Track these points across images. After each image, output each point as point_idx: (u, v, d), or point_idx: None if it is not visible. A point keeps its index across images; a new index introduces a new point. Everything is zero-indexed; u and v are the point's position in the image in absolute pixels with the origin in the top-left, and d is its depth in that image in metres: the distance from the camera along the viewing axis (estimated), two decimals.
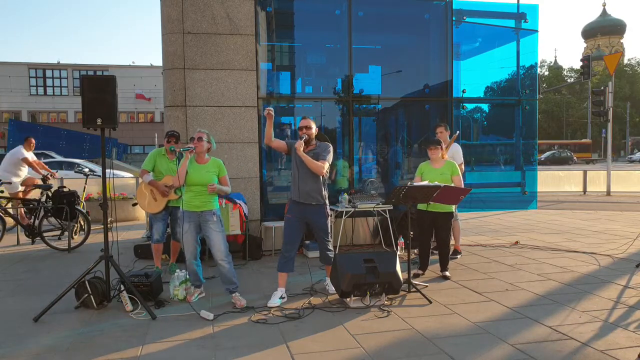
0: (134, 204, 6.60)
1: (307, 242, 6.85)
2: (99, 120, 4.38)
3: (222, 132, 6.83)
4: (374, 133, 8.81)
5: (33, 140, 9.00)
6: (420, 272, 5.76)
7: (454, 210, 5.73)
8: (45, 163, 19.03)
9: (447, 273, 5.64)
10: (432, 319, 4.24)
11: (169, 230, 6.19)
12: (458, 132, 7.34)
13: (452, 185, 5.46)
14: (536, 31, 8.50)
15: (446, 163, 5.69)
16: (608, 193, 16.12)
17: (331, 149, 4.83)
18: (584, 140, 55.35)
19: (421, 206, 5.61)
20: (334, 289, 4.84)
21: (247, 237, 6.68)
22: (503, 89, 9.73)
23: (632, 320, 4.13)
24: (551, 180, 17.52)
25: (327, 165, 4.72)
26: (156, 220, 5.85)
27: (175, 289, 4.85)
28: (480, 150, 9.69)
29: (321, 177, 4.77)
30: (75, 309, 4.55)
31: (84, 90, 4.39)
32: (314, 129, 4.80)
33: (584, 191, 16.78)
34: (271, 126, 4.66)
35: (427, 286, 5.22)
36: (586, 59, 19.93)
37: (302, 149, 4.65)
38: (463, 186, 5.66)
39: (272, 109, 4.63)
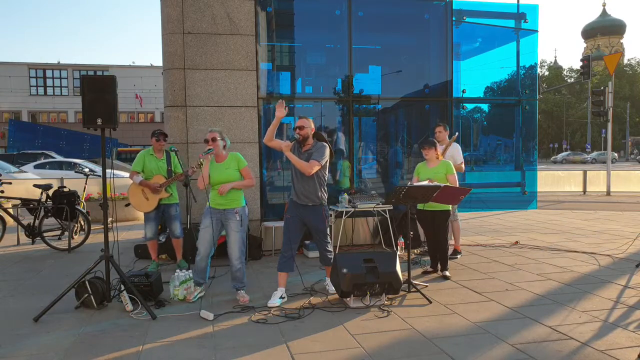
0: (127, 205, 6.61)
1: (307, 242, 6.85)
2: (99, 120, 4.39)
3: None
4: (374, 133, 8.82)
5: None
6: (431, 269, 5.82)
7: (451, 209, 5.76)
8: (46, 163, 19.16)
9: (447, 273, 5.66)
10: (432, 319, 4.25)
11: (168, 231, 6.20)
12: (457, 133, 7.35)
13: (450, 185, 5.48)
14: (536, 31, 8.50)
15: (441, 163, 5.74)
16: (608, 193, 16.12)
17: (326, 149, 4.77)
18: None
19: (419, 205, 5.65)
20: (334, 289, 4.84)
21: (247, 237, 6.66)
22: (503, 89, 9.73)
23: (632, 320, 4.14)
24: (551, 180, 17.52)
25: (316, 167, 4.65)
26: (148, 219, 5.92)
27: (176, 289, 4.85)
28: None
29: (317, 177, 4.75)
30: (76, 309, 4.55)
31: (84, 90, 4.39)
32: (310, 129, 4.77)
33: (584, 191, 16.78)
34: (276, 126, 4.65)
35: (427, 286, 5.22)
36: (586, 59, 19.92)
37: (288, 149, 4.64)
38: (458, 185, 5.71)
39: (283, 101, 4.59)
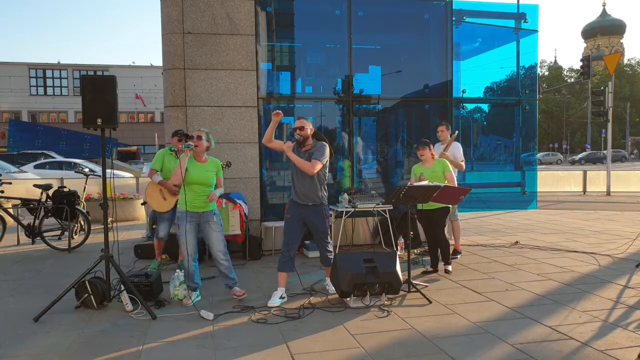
0: (143, 203, 6.65)
1: (307, 242, 6.85)
2: (99, 120, 4.39)
3: (222, 132, 6.83)
4: (374, 133, 8.81)
5: None
6: (431, 269, 5.83)
7: (450, 207, 5.77)
8: (46, 163, 19.17)
9: (450, 267, 5.70)
10: (432, 319, 4.25)
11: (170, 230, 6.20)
12: (457, 131, 7.36)
13: (448, 184, 5.49)
14: (536, 31, 8.50)
15: (436, 162, 5.76)
16: (608, 193, 16.12)
17: (327, 148, 4.79)
18: None
19: (419, 205, 5.67)
20: (334, 289, 4.84)
21: (247, 237, 6.68)
22: (503, 89, 9.73)
23: (632, 320, 4.14)
24: (551, 180, 17.52)
25: (318, 166, 4.67)
26: (163, 219, 5.91)
27: (176, 289, 4.85)
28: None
29: (318, 177, 4.75)
30: (76, 309, 4.55)
31: (84, 90, 4.39)
32: (309, 129, 4.79)
33: (584, 191, 16.78)
34: (274, 127, 4.67)
35: (427, 286, 5.23)
36: (586, 59, 19.93)
37: (291, 149, 4.64)
38: (455, 182, 5.72)
39: (281, 112, 4.63)
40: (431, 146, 5.82)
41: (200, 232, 4.83)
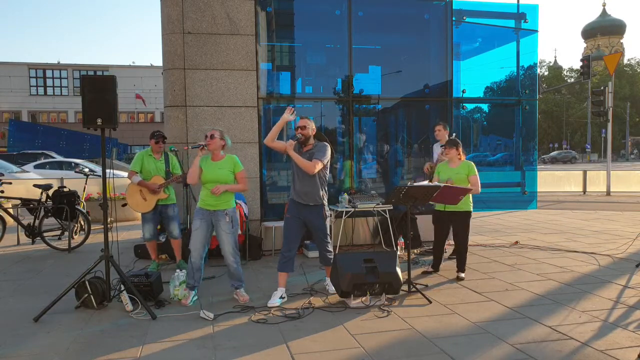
0: (124, 205, 6.63)
1: (307, 242, 6.85)
2: (99, 120, 4.38)
3: None
4: (374, 133, 8.82)
5: None
6: (432, 269, 5.82)
7: (471, 210, 5.70)
8: (46, 163, 19.16)
9: (462, 275, 5.60)
10: (432, 319, 4.25)
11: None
12: (455, 133, 7.37)
13: (454, 185, 5.46)
14: (536, 31, 8.50)
15: (463, 163, 5.65)
16: (608, 193, 16.12)
17: (328, 149, 4.80)
18: None
19: (439, 206, 5.63)
20: (334, 289, 4.84)
21: (247, 237, 6.68)
22: (503, 89, 9.73)
23: (632, 320, 4.14)
24: (551, 180, 17.52)
25: (319, 165, 4.68)
26: (146, 220, 5.93)
27: (176, 289, 4.86)
28: None
29: (319, 177, 4.76)
30: (76, 309, 4.55)
31: (84, 90, 4.39)
32: (311, 129, 4.79)
33: (584, 191, 16.78)
34: (280, 127, 4.68)
35: (427, 286, 5.23)
36: (586, 59, 19.93)
37: (292, 148, 4.65)
38: (479, 186, 5.64)
39: (294, 109, 4.66)
40: (459, 146, 5.66)
41: (214, 230, 4.82)
